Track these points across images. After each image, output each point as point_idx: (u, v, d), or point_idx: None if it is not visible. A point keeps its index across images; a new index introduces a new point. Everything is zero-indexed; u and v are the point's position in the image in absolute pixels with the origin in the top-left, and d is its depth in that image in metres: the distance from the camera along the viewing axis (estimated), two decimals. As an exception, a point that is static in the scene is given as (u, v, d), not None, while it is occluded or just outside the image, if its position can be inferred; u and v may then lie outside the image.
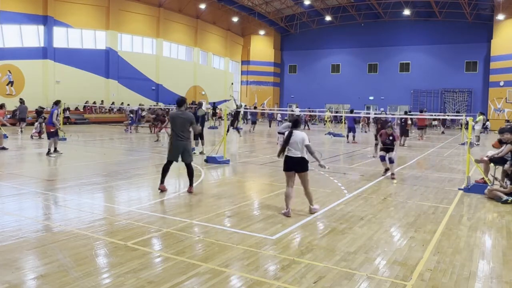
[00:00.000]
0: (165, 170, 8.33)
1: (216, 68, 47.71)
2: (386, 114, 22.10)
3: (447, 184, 10.08)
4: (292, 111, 30.57)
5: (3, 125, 15.99)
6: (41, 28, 29.89)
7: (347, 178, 10.63)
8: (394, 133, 10.70)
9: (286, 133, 6.92)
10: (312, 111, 38.88)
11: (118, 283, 4.09)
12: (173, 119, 8.28)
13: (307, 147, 6.69)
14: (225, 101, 46.39)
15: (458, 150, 18.72)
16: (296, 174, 6.84)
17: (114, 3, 34.02)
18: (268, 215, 6.78)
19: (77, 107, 32.13)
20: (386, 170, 10.83)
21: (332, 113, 35.46)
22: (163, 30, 38.78)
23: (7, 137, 16.76)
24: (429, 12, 41.95)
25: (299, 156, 6.72)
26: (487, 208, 7.77)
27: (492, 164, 9.30)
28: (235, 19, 45.84)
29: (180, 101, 8.34)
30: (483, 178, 9.23)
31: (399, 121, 22.50)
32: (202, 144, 14.96)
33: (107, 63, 33.98)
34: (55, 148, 13.51)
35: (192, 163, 8.43)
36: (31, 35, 29.41)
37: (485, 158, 9.25)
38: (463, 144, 20.45)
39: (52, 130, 13.29)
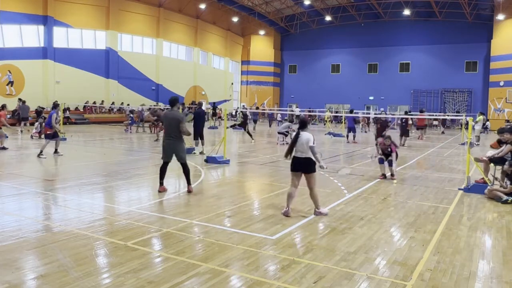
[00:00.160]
0: (163, 172, 8.33)
1: (216, 68, 47.69)
2: (386, 114, 22.11)
3: (447, 184, 10.07)
4: (292, 111, 30.53)
5: (3, 125, 15.97)
6: (41, 28, 29.90)
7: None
8: (391, 145, 10.29)
9: (294, 134, 6.94)
10: (312, 111, 38.87)
11: (118, 283, 4.09)
12: (164, 119, 8.37)
13: (311, 148, 6.69)
14: (225, 101, 46.38)
15: (458, 150, 18.71)
16: (303, 175, 6.86)
17: (114, 3, 34.02)
18: (268, 215, 6.78)
19: (77, 107, 32.13)
20: (383, 175, 10.52)
21: (332, 113, 35.46)
22: (163, 30, 38.78)
23: (7, 137, 16.76)
24: (429, 12, 41.93)
25: (305, 157, 6.73)
26: (487, 208, 7.76)
27: (492, 164, 9.30)
28: (235, 19, 45.83)
29: (172, 101, 8.30)
30: (483, 178, 9.23)
31: (399, 121, 22.50)
32: (202, 144, 14.98)
33: (107, 63, 33.98)
34: (56, 150, 13.51)
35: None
36: (31, 35, 29.42)
37: (484, 158, 9.26)
38: (463, 144, 20.44)
39: (49, 132, 13.29)
